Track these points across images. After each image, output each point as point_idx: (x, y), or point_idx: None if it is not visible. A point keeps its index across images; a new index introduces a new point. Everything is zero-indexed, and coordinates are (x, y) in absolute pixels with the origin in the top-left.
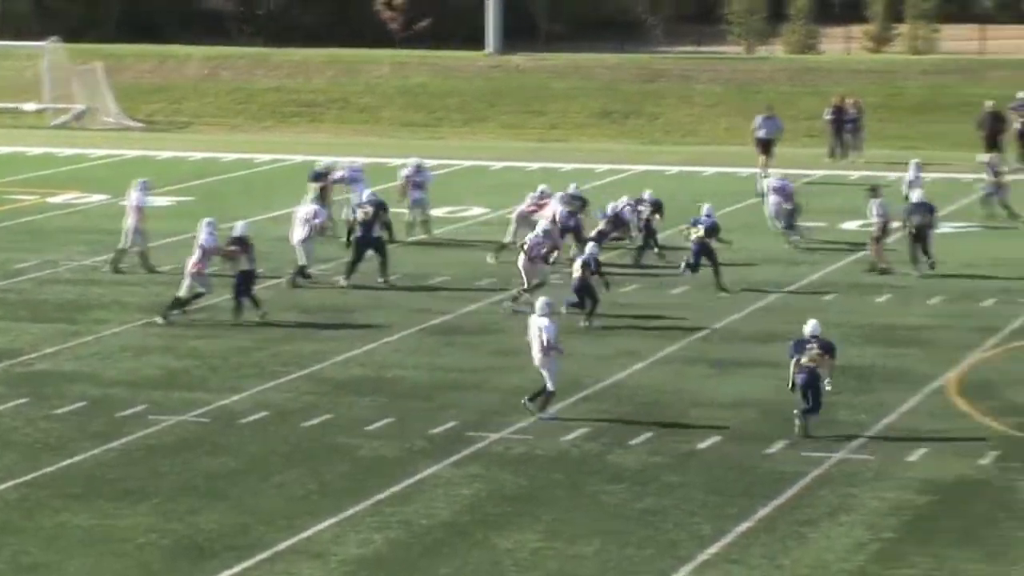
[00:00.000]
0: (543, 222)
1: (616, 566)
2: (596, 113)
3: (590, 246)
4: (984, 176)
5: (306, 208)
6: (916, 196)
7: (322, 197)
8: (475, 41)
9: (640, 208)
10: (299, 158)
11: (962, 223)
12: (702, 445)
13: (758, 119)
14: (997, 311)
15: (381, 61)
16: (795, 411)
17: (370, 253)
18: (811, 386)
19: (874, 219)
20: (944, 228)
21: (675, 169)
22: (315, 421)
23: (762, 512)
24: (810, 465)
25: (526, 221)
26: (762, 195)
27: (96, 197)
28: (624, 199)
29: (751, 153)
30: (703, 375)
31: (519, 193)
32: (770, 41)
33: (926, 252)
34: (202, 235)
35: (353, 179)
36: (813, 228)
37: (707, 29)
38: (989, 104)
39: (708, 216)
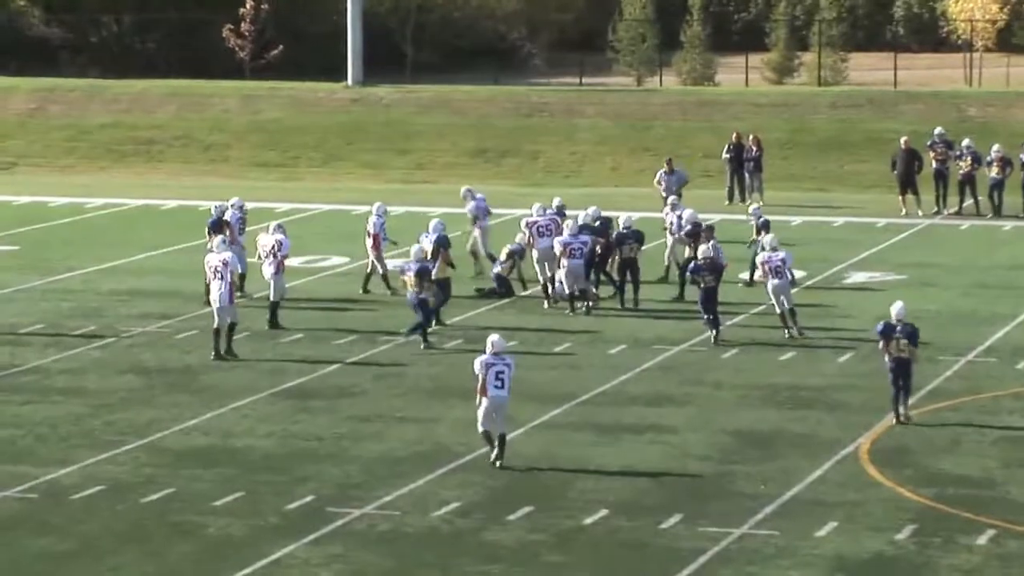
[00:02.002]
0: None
1: None
2: (468, 152)
3: (703, 249)
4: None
5: (267, 239)
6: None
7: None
8: (334, 71)
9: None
10: (137, 202)
11: (875, 272)
12: (588, 520)
13: (660, 175)
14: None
15: (229, 94)
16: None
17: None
18: (901, 373)
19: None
20: (855, 277)
21: None
22: (155, 496)
23: None
24: (708, 541)
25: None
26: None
27: None
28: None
29: (642, 195)
30: (588, 442)
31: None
32: (661, 71)
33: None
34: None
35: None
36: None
37: (591, 58)
38: (904, 141)
39: (628, 227)
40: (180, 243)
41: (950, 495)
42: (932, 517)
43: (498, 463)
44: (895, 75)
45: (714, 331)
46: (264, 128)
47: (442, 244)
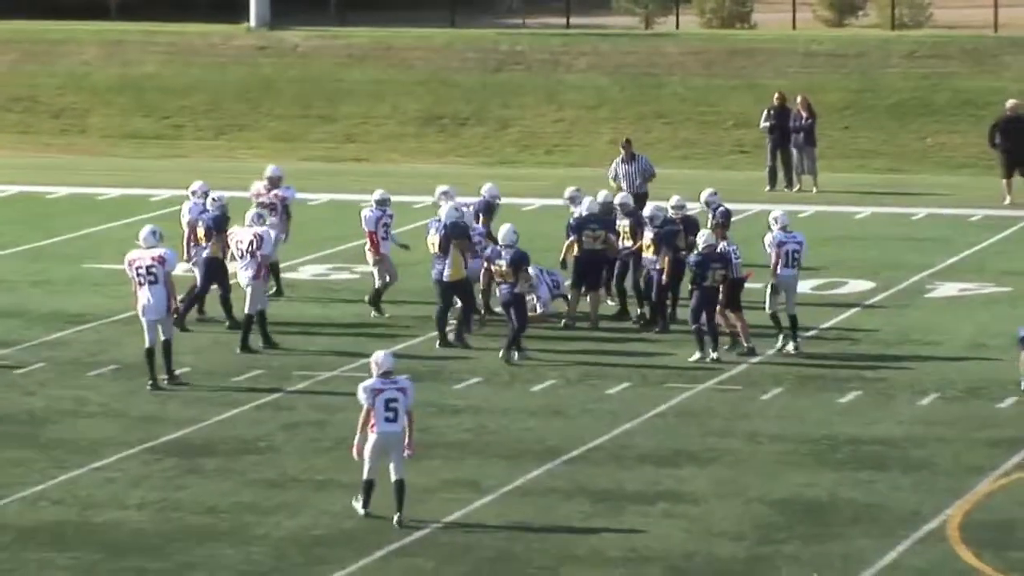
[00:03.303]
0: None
1: None
2: (415, 118)
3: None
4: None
5: (244, 233)
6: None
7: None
8: (230, 9)
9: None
10: None
11: (968, 283)
12: None
13: (615, 164)
14: (1022, 414)
15: (87, 39)
16: None
17: None
18: None
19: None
20: (942, 289)
21: (537, 203)
22: None
23: None
24: None
25: None
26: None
27: None
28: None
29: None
30: (579, 514)
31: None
32: (678, 9)
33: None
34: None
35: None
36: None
37: None
38: (1010, 105)
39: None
40: (22, 243)
41: None
42: None
43: (397, 519)
44: (995, 15)
45: (700, 352)
46: (136, 86)
47: (458, 234)
